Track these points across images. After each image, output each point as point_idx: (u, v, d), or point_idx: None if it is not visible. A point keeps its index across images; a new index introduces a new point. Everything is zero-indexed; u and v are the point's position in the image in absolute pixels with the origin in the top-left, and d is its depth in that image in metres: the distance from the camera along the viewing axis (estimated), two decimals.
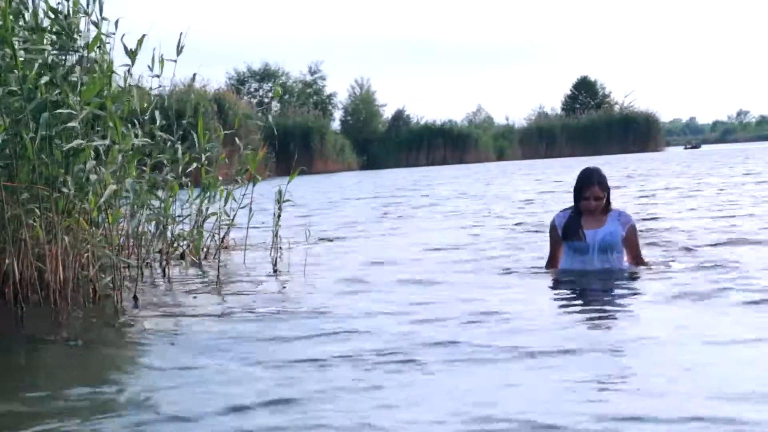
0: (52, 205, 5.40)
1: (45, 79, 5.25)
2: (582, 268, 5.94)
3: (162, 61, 6.91)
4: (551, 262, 6.20)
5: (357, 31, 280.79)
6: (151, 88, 7.03)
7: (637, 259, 6.03)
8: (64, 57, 5.59)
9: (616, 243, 5.90)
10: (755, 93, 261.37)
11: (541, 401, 3.14)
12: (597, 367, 3.60)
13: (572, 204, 6.08)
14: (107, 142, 5.54)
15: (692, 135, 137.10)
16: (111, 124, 5.61)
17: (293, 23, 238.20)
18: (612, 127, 63.37)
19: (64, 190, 5.36)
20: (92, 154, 5.58)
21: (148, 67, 6.87)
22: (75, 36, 5.63)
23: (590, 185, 5.87)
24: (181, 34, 7.01)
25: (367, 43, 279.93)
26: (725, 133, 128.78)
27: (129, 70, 6.28)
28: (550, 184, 22.12)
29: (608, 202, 5.95)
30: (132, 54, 6.16)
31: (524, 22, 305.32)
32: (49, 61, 5.45)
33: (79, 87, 5.48)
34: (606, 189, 5.91)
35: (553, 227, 6.11)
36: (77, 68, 5.52)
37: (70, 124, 5.29)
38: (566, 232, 5.98)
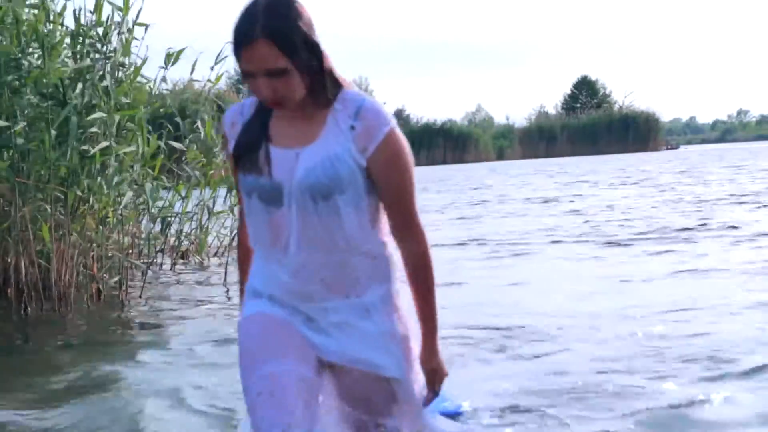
0: (63, 204, 5.42)
1: (80, 86, 5.39)
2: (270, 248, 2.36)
3: (214, 74, 7.57)
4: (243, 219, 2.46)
5: (356, 31, 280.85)
6: (157, 90, 7.06)
7: (405, 225, 2.40)
8: (97, 62, 5.68)
9: (340, 183, 2.29)
10: (755, 93, 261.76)
11: None
12: None
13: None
14: (132, 148, 5.71)
15: (692, 134, 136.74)
16: (138, 132, 5.83)
17: None
18: (612, 126, 63.23)
19: (78, 192, 5.40)
20: (121, 156, 5.71)
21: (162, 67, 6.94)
22: (110, 37, 5.76)
23: (249, 42, 2.17)
24: (223, 47, 7.26)
25: (366, 43, 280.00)
26: (725, 132, 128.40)
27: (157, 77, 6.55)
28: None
29: (323, 81, 2.27)
30: (170, 60, 6.46)
31: (525, 23, 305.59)
32: (82, 63, 5.56)
33: (112, 93, 5.59)
34: (294, 49, 2.18)
35: (223, 137, 2.55)
36: (107, 74, 5.62)
37: (92, 129, 5.43)
38: (239, 152, 2.37)
